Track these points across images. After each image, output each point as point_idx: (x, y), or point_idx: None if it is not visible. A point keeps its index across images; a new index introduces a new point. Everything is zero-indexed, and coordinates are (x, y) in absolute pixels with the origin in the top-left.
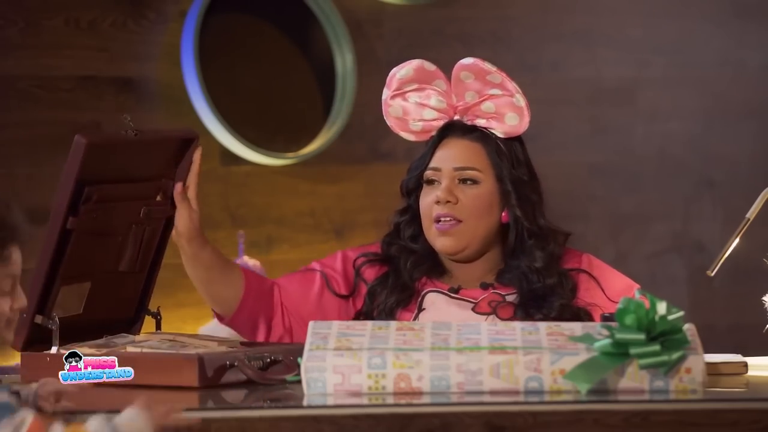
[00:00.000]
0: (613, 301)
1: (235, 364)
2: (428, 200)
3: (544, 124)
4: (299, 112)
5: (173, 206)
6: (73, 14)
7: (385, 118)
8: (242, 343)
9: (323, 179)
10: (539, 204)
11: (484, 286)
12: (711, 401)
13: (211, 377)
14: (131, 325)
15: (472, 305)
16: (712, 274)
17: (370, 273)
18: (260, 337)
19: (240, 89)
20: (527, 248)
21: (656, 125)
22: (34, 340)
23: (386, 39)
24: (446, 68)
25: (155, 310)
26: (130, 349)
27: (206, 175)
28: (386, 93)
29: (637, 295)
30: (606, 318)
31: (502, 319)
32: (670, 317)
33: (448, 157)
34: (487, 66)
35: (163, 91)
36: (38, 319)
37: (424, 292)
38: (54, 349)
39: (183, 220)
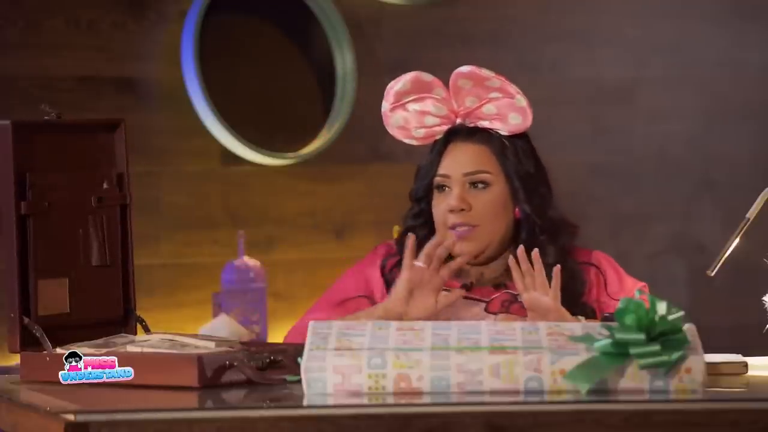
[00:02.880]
0: (614, 300)
1: (235, 364)
2: (441, 208)
3: (544, 124)
4: (299, 112)
5: (121, 192)
6: (73, 14)
7: (387, 128)
8: (242, 343)
9: (323, 179)
10: (549, 196)
11: (497, 286)
12: (711, 401)
13: (211, 377)
14: (123, 325)
15: (484, 304)
16: (712, 274)
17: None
18: None
19: (240, 89)
20: (539, 243)
21: (656, 125)
22: (31, 339)
23: (386, 39)
24: (445, 69)
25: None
26: (130, 349)
27: (206, 175)
28: (385, 106)
29: (637, 295)
30: (606, 318)
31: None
32: (670, 317)
33: (456, 163)
34: (485, 72)
35: (163, 91)
36: (25, 321)
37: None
38: (48, 350)
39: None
